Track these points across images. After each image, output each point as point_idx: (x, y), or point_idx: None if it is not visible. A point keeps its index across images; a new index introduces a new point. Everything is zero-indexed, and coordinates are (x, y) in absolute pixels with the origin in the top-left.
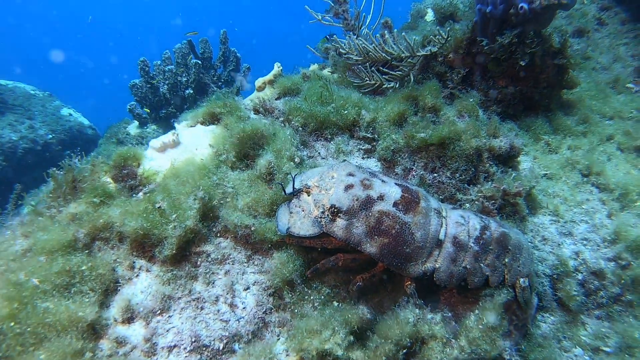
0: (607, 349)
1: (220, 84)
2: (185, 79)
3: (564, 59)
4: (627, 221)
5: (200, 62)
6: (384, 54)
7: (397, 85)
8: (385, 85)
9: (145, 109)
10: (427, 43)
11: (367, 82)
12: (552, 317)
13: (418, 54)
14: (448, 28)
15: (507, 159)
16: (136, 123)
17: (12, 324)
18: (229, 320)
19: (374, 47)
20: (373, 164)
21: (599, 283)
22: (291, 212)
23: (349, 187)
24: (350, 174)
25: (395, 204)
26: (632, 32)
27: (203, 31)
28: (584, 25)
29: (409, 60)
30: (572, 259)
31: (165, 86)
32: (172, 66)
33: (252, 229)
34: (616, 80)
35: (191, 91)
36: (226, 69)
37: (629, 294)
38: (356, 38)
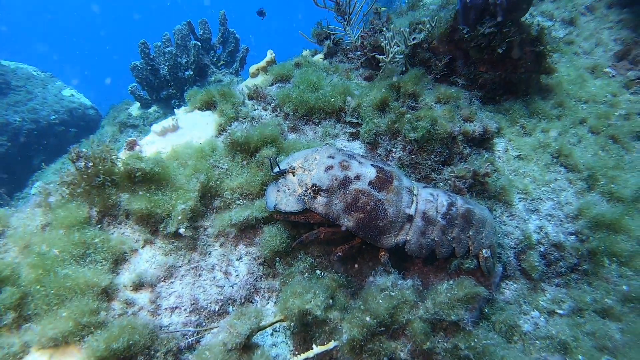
0: (561, 312)
1: (219, 64)
2: (185, 61)
3: (542, 46)
4: (590, 199)
5: (199, 43)
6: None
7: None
8: None
9: None
10: (413, 31)
11: None
12: (515, 285)
13: (409, 43)
14: (436, 16)
15: (482, 141)
16: (138, 104)
17: (38, 287)
18: (224, 286)
19: (398, 49)
20: (357, 146)
21: (558, 254)
22: (278, 191)
23: (329, 168)
24: (331, 156)
25: (370, 183)
26: (618, 16)
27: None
28: (572, 10)
29: (404, 51)
30: (535, 232)
31: (166, 67)
32: (172, 48)
33: (249, 218)
34: (595, 65)
35: (191, 72)
36: (225, 50)
37: (585, 264)
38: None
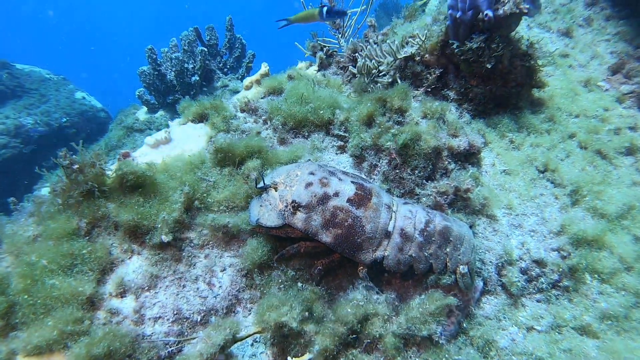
0: (539, 328)
1: (226, 70)
2: (192, 66)
3: (532, 60)
4: (573, 215)
5: (206, 49)
6: (379, 66)
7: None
8: None
9: None
10: (405, 44)
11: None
12: (495, 300)
13: (399, 56)
14: (426, 30)
15: (467, 156)
16: (145, 109)
17: (26, 296)
18: (207, 297)
19: (373, 63)
20: (345, 159)
21: (539, 270)
22: (261, 205)
23: (308, 184)
24: (312, 173)
25: (348, 200)
26: (615, 28)
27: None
28: (570, 22)
29: (392, 63)
30: (517, 248)
31: (173, 73)
32: (179, 53)
33: (229, 225)
34: (589, 78)
35: (197, 77)
36: (232, 56)
37: (566, 280)
38: (364, 57)
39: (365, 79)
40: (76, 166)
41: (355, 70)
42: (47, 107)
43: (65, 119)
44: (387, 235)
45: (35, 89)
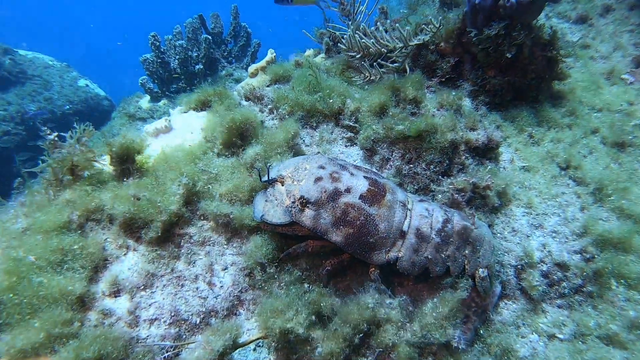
0: (561, 336)
1: (230, 59)
2: (196, 54)
3: (554, 50)
4: (597, 215)
5: (210, 37)
6: (382, 48)
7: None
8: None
9: None
10: (420, 31)
11: (369, 78)
12: (514, 305)
13: (411, 43)
14: (440, 17)
15: (485, 151)
16: (148, 97)
17: (11, 295)
18: (207, 297)
19: (372, 42)
20: (355, 152)
21: (562, 274)
22: (266, 200)
23: (318, 179)
24: (322, 167)
25: (361, 197)
26: (639, 18)
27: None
28: (591, 11)
29: (402, 50)
30: (538, 250)
31: (176, 61)
32: (183, 41)
33: (231, 216)
34: (612, 71)
35: (201, 66)
36: (237, 44)
37: (590, 285)
38: (354, 30)
39: (356, 55)
40: (53, 135)
41: (344, 47)
42: (50, 94)
43: (68, 107)
44: (402, 235)
45: (38, 75)
